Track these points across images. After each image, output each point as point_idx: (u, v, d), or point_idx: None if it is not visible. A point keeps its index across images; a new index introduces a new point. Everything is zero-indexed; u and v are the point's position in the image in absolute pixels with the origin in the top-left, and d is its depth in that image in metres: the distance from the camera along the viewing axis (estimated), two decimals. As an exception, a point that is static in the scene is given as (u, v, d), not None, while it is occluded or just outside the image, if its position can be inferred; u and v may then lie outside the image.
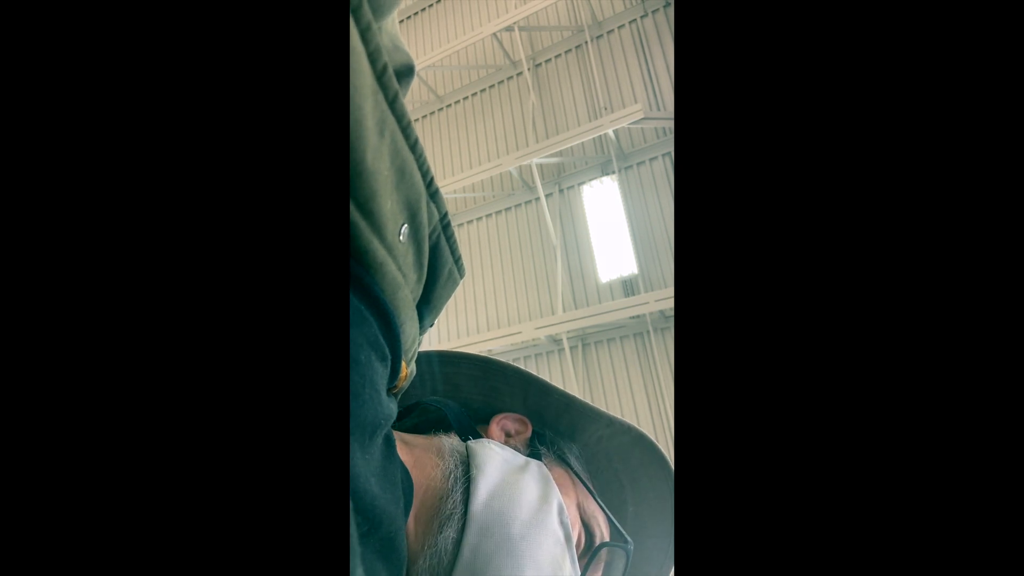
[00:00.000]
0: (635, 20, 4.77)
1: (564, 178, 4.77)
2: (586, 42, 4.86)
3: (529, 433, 0.48)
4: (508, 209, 4.96)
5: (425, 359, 0.51)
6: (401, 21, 6.03)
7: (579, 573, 0.40)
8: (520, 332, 4.12)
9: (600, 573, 0.44)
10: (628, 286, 4.30)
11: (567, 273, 4.50)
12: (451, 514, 0.38)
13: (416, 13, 6.01)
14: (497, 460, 0.42)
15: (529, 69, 5.02)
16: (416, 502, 0.38)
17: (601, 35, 4.89)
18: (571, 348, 4.25)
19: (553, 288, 4.46)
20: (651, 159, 4.42)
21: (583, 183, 4.71)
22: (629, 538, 0.44)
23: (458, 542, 0.37)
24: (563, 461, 0.47)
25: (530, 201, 4.85)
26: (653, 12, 4.69)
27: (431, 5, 5.91)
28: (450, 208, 5.07)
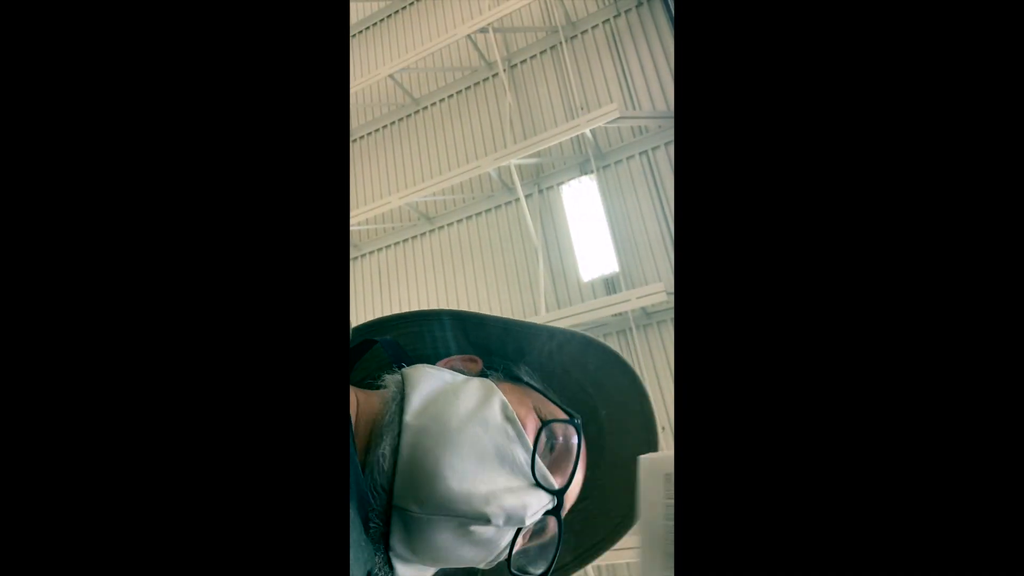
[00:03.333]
0: (608, 20, 4.80)
1: (543, 178, 4.78)
2: (560, 43, 4.88)
3: (480, 367, 0.48)
4: (488, 211, 4.95)
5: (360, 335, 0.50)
6: (375, 24, 5.99)
7: (531, 460, 0.39)
8: (504, 333, 4.09)
9: (571, 461, 0.42)
10: (610, 284, 4.32)
11: (549, 273, 4.51)
12: (388, 426, 0.38)
13: (390, 16, 5.97)
14: (433, 378, 0.43)
15: (505, 70, 5.02)
16: (357, 433, 0.39)
17: (575, 35, 4.91)
18: (555, 348, 4.24)
19: (535, 288, 4.47)
20: (628, 157, 4.45)
21: (562, 183, 4.72)
22: (575, 414, 0.44)
23: (396, 449, 0.37)
24: (513, 378, 0.47)
25: (510, 202, 4.84)
26: (626, 12, 4.73)
27: (405, 8, 5.88)
28: (429, 212, 5.04)
